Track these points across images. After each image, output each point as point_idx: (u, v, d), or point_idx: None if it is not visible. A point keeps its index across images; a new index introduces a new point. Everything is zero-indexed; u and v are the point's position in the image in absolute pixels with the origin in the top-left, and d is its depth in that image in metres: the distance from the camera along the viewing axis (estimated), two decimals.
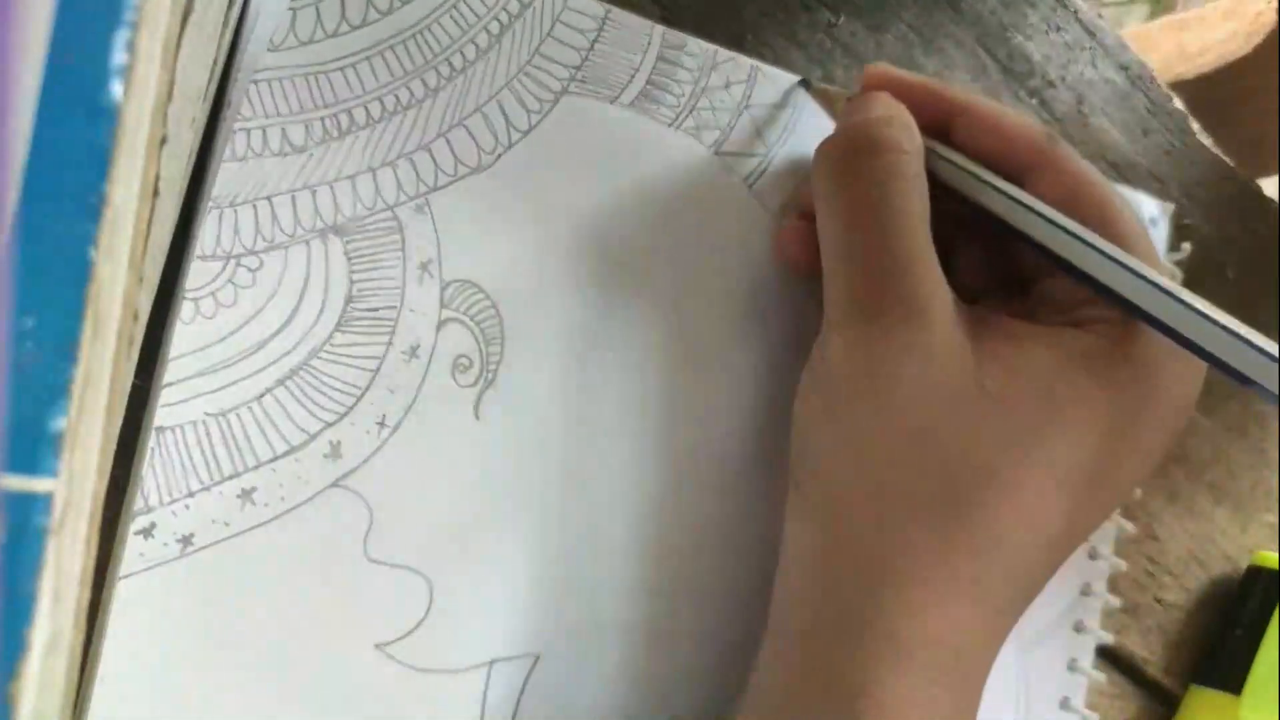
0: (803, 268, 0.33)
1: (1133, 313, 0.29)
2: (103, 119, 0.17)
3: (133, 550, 0.27)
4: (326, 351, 0.30)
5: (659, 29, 0.34)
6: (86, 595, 0.22)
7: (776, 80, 0.35)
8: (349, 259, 0.30)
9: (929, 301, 0.29)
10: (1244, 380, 0.27)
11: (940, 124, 0.32)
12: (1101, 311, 0.30)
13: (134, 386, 0.28)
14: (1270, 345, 0.27)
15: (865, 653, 0.27)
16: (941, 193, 0.31)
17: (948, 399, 0.28)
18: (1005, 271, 0.33)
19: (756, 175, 0.34)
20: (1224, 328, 0.27)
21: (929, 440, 0.28)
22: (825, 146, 0.32)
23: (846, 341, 0.30)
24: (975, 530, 0.28)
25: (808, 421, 0.31)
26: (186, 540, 0.28)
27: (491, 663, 0.30)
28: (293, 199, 0.30)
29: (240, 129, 0.29)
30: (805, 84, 0.35)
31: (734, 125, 0.34)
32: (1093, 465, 0.29)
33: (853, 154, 0.31)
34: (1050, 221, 0.30)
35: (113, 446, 0.25)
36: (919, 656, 0.27)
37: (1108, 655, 0.38)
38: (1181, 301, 0.28)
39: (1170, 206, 0.40)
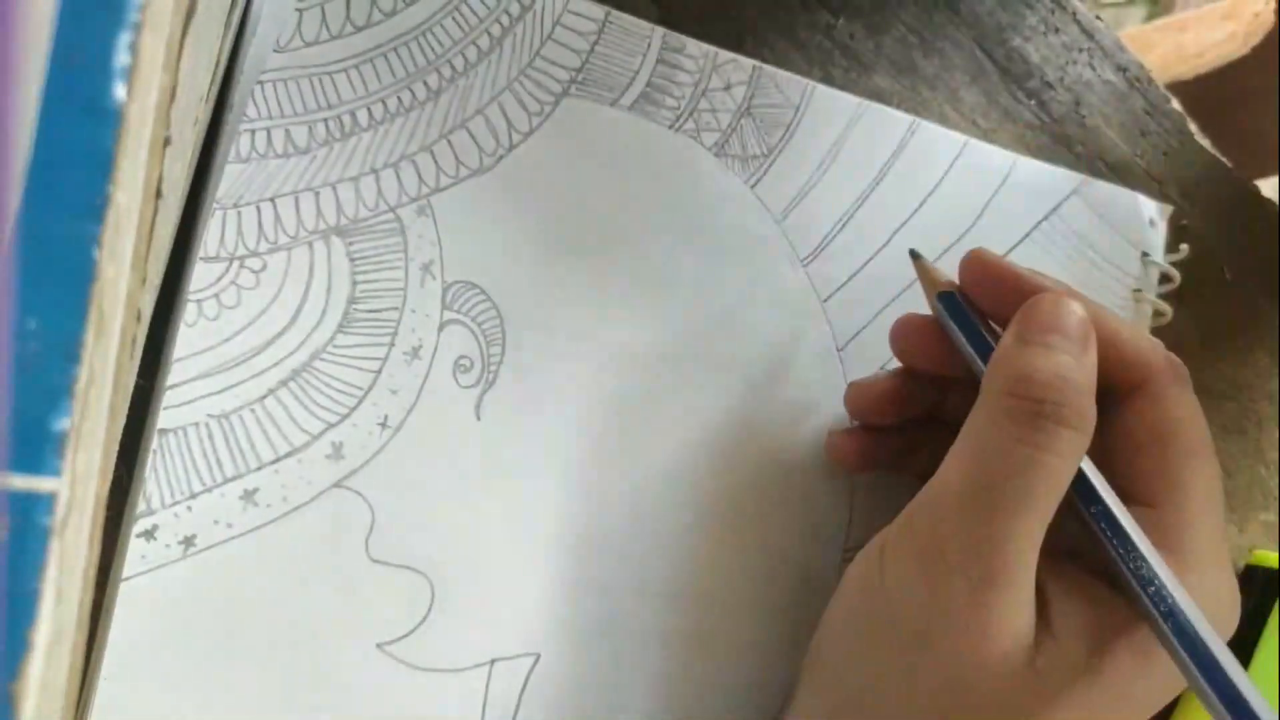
0: (852, 466, 0.33)
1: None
2: (106, 120, 0.17)
3: (135, 552, 0.27)
4: (329, 353, 0.30)
5: (659, 31, 0.34)
6: (89, 596, 0.22)
7: (778, 81, 0.35)
8: (351, 260, 0.30)
9: (1015, 585, 0.27)
10: None
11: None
12: None
13: (136, 387, 0.28)
14: None
15: None
16: None
17: (996, 666, 0.27)
18: None
19: (757, 177, 0.34)
20: None
21: (964, 705, 0.27)
22: (1012, 374, 0.28)
23: (913, 583, 0.28)
24: None
25: (840, 625, 0.29)
26: (189, 541, 0.28)
27: (492, 662, 0.30)
28: (296, 200, 0.30)
29: (245, 129, 0.29)
30: (913, 254, 0.33)
31: (734, 127, 0.34)
32: None
33: (1038, 414, 0.28)
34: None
35: (115, 446, 0.25)
36: None
37: None
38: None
39: (1168, 208, 0.40)
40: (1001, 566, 0.27)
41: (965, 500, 0.28)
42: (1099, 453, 0.30)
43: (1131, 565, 0.28)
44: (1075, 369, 0.28)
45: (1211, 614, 0.28)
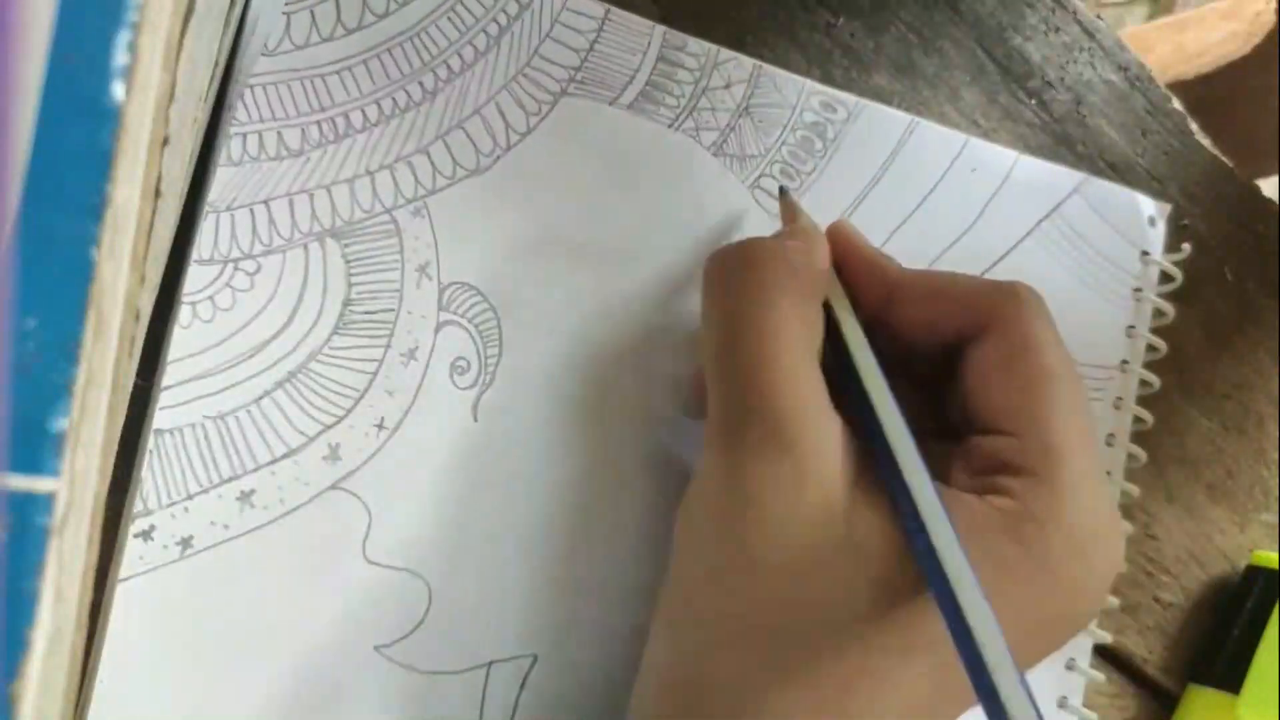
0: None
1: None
2: (105, 120, 0.17)
3: (132, 553, 0.27)
4: (325, 354, 0.30)
5: (659, 29, 0.34)
6: (88, 596, 0.22)
7: (776, 80, 0.35)
8: (347, 262, 0.30)
9: (798, 430, 0.27)
10: None
11: (884, 297, 0.31)
12: (1011, 483, 0.28)
13: (135, 387, 0.28)
14: None
15: None
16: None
17: (807, 542, 0.26)
18: (938, 418, 0.31)
19: (755, 176, 0.34)
20: None
21: (781, 582, 0.26)
22: (713, 255, 0.30)
23: (715, 462, 0.28)
24: (820, 690, 0.26)
25: (678, 534, 0.29)
26: (186, 542, 0.28)
27: (490, 664, 0.30)
28: (290, 203, 0.30)
29: (236, 133, 0.29)
30: (783, 190, 0.34)
31: (733, 126, 0.34)
32: None
33: (735, 266, 0.29)
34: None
35: (114, 447, 0.25)
36: None
37: (1106, 654, 0.38)
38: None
39: (1168, 207, 0.40)
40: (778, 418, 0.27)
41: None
42: (960, 398, 0.30)
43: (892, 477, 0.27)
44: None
45: (1087, 540, 0.27)
